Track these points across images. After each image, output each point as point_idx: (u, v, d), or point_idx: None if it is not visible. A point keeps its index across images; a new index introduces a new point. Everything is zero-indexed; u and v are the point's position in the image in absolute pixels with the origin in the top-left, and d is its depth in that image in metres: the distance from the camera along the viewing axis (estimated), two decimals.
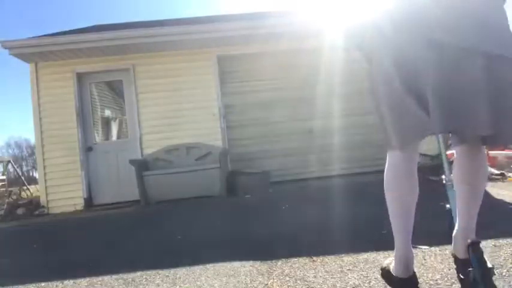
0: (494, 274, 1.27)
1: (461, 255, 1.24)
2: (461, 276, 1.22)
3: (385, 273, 1.37)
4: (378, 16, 1.36)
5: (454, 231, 1.35)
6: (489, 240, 1.84)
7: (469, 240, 1.15)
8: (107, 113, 5.96)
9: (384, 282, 1.45)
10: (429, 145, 5.58)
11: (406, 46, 1.17)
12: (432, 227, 2.26)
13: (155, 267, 1.94)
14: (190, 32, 5.18)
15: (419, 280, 1.44)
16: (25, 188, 9.70)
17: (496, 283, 1.34)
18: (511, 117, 1.05)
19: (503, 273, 1.42)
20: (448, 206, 1.71)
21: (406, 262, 1.27)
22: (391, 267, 1.33)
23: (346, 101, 5.62)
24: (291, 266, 1.76)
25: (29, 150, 38.92)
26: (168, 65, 5.53)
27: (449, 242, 1.34)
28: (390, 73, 1.22)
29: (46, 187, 5.28)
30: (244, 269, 1.79)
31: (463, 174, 1.38)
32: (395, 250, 1.31)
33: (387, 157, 1.38)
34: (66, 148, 5.33)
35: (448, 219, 1.65)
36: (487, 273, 1.09)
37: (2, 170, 12.56)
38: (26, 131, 58.32)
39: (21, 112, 67.95)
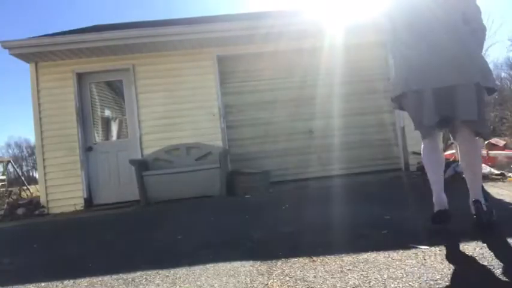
0: (493, 216, 2.06)
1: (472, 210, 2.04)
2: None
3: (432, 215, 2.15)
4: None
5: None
6: (489, 240, 1.84)
7: (472, 199, 2.05)
8: (107, 113, 5.96)
9: (384, 282, 1.45)
10: None
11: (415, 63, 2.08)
12: (432, 227, 2.26)
13: (155, 267, 1.94)
14: (190, 32, 5.18)
15: (419, 280, 1.44)
16: (25, 188, 9.72)
17: (496, 283, 1.34)
18: (461, 108, 1.95)
19: (504, 273, 1.42)
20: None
21: (440, 201, 2.18)
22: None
23: (346, 101, 5.63)
24: (291, 266, 1.76)
25: (29, 150, 38.96)
26: (168, 65, 5.53)
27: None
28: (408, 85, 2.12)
29: (46, 187, 5.28)
30: (244, 269, 1.79)
31: (463, 157, 2.16)
32: (433, 196, 2.22)
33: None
34: (66, 148, 5.34)
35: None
36: (483, 214, 1.98)
37: (2, 170, 12.57)
38: (26, 131, 58.37)
39: (21, 112, 67.92)
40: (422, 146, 2.27)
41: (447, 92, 1.98)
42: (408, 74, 2.10)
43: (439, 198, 2.16)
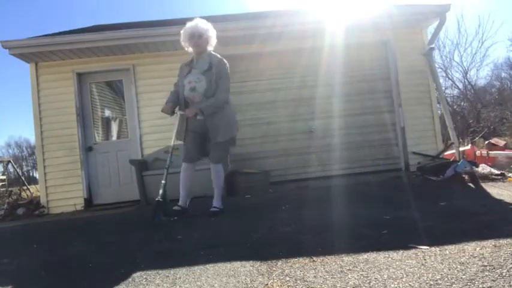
0: None
1: None
2: None
3: None
4: None
5: None
6: (489, 240, 1.84)
7: None
8: (107, 112, 5.96)
9: (384, 282, 1.45)
10: (429, 145, 5.60)
11: None
12: (432, 227, 2.26)
13: (155, 267, 1.94)
14: None
15: (419, 280, 1.44)
16: (25, 188, 9.72)
17: (496, 283, 1.34)
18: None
19: (503, 273, 1.42)
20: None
21: None
22: None
23: (346, 101, 5.63)
24: (291, 266, 1.76)
25: (29, 150, 38.93)
26: (168, 65, 5.52)
27: None
28: None
29: (46, 187, 5.28)
30: (244, 269, 1.79)
31: None
32: None
33: None
34: (66, 148, 5.34)
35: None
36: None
37: (2, 170, 12.57)
38: (26, 131, 58.25)
39: (21, 112, 67.88)
40: None
41: None
42: None
43: None
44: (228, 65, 3.34)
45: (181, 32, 3.28)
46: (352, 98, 5.68)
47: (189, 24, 3.25)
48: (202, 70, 3.24)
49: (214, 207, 3.28)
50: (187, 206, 3.42)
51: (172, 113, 3.43)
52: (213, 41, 3.34)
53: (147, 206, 4.67)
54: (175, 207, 3.32)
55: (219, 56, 3.36)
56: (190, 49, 3.34)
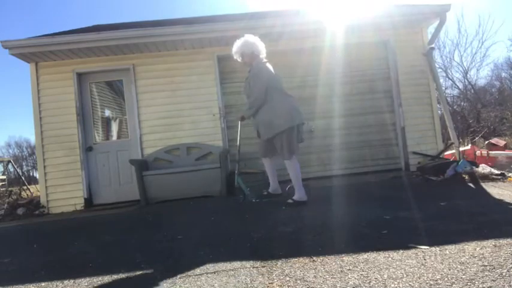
0: None
1: None
2: None
3: None
4: None
5: None
6: (489, 240, 1.84)
7: None
8: (107, 113, 5.96)
9: (384, 282, 1.45)
10: (429, 145, 5.60)
11: None
12: (432, 227, 2.26)
13: (155, 267, 1.94)
14: (190, 32, 5.17)
15: (419, 280, 1.44)
16: (25, 187, 9.72)
17: (496, 283, 1.34)
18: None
19: (503, 273, 1.42)
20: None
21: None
22: None
23: (346, 101, 5.63)
24: (291, 266, 1.76)
25: (29, 150, 38.89)
26: (168, 65, 5.53)
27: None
28: None
29: (46, 187, 5.28)
30: (244, 269, 1.79)
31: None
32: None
33: None
34: (66, 148, 5.34)
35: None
36: None
37: (2, 169, 12.57)
38: (26, 131, 58.24)
39: (21, 112, 67.83)
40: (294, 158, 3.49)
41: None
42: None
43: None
44: (263, 70, 3.54)
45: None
46: (352, 98, 5.68)
47: (234, 46, 3.71)
48: (248, 79, 3.66)
49: (292, 199, 3.49)
50: (281, 192, 3.87)
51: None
52: (257, 53, 3.64)
53: (147, 206, 4.67)
54: (264, 192, 3.88)
55: (260, 64, 3.59)
56: None
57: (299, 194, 3.47)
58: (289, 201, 3.47)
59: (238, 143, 4.07)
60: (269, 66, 3.60)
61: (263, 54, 3.68)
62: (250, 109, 3.58)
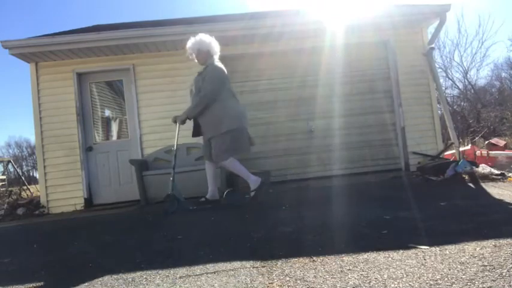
0: None
1: None
2: None
3: None
4: None
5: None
6: (489, 240, 1.84)
7: None
8: (107, 113, 5.96)
9: (384, 282, 1.45)
10: (429, 145, 5.60)
11: None
12: (432, 227, 2.26)
13: (155, 267, 1.94)
14: (190, 32, 5.12)
15: (419, 280, 1.44)
16: (25, 187, 9.72)
17: (496, 283, 1.34)
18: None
19: (503, 273, 1.42)
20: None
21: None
22: None
23: (346, 101, 5.63)
24: (291, 266, 1.76)
25: (29, 150, 38.89)
26: (168, 65, 5.52)
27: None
28: None
29: (46, 187, 5.28)
30: (244, 269, 1.79)
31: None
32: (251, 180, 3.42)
33: None
34: (66, 148, 5.34)
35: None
36: None
37: (2, 169, 12.57)
38: (26, 131, 58.29)
39: (21, 112, 67.83)
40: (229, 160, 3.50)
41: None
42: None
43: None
44: (219, 69, 3.52)
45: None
46: (352, 98, 5.68)
47: (188, 42, 3.65)
48: (201, 76, 3.58)
49: (251, 191, 3.56)
50: (218, 197, 3.78)
51: (175, 121, 3.81)
52: (212, 53, 3.63)
53: (147, 206, 4.67)
54: (202, 199, 3.74)
55: (215, 63, 3.57)
56: None
57: (252, 181, 3.52)
58: (252, 193, 3.51)
59: (175, 147, 3.84)
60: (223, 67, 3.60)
61: (217, 55, 3.67)
62: (197, 106, 3.48)
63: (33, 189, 9.43)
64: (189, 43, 3.63)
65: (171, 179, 3.73)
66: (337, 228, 2.48)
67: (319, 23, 5.21)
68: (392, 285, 1.41)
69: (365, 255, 1.79)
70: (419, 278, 1.45)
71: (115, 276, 1.87)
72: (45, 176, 5.29)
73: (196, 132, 3.71)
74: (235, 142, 3.49)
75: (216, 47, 3.67)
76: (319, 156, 5.61)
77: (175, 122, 3.75)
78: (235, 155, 3.57)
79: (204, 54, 3.62)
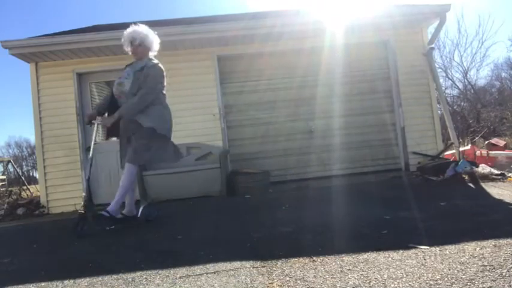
0: None
1: None
2: None
3: None
4: None
5: None
6: (489, 240, 1.84)
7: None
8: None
9: (384, 282, 1.45)
10: (429, 145, 5.60)
11: None
12: (432, 227, 2.26)
13: (155, 267, 1.94)
14: (190, 32, 5.17)
15: (419, 280, 1.44)
16: (25, 187, 9.71)
17: (496, 283, 1.34)
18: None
19: (503, 273, 1.42)
20: None
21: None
22: None
23: (346, 101, 5.63)
24: (291, 266, 1.76)
25: (29, 150, 38.82)
26: (168, 65, 5.47)
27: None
28: None
29: (46, 187, 5.27)
30: (244, 269, 1.79)
31: None
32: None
33: None
34: (66, 148, 5.33)
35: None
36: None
37: (2, 169, 12.57)
38: (26, 131, 58.21)
39: (21, 112, 67.75)
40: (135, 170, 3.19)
41: None
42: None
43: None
44: (162, 71, 3.31)
45: (123, 36, 3.24)
46: (352, 98, 5.68)
47: (128, 30, 3.21)
48: (135, 70, 3.23)
49: (106, 210, 3.03)
50: (136, 213, 3.34)
51: (90, 122, 3.35)
52: (154, 48, 3.33)
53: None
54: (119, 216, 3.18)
55: (156, 61, 3.31)
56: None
57: (113, 207, 3.07)
58: (104, 213, 3.01)
59: (91, 154, 3.33)
60: None
61: (155, 54, 3.39)
62: (139, 104, 3.12)
63: (33, 189, 9.42)
64: (133, 31, 3.19)
65: (83, 195, 3.20)
66: (337, 228, 2.48)
67: (319, 23, 5.21)
68: (392, 285, 1.41)
69: (365, 255, 1.79)
70: (419, 278, 1.45)
71: (115, 276, 1.87)
72: (45, 176, 5.29)
73: (113, 132, 3.38)
74: (160, 149, 3.19)
75: (156, 45, 3.36)
76: (319, 156, 5.61)
77: (90, 123, 3.36)
78: (152, 162, 3.41)
79: (145, 49, 3.26)
